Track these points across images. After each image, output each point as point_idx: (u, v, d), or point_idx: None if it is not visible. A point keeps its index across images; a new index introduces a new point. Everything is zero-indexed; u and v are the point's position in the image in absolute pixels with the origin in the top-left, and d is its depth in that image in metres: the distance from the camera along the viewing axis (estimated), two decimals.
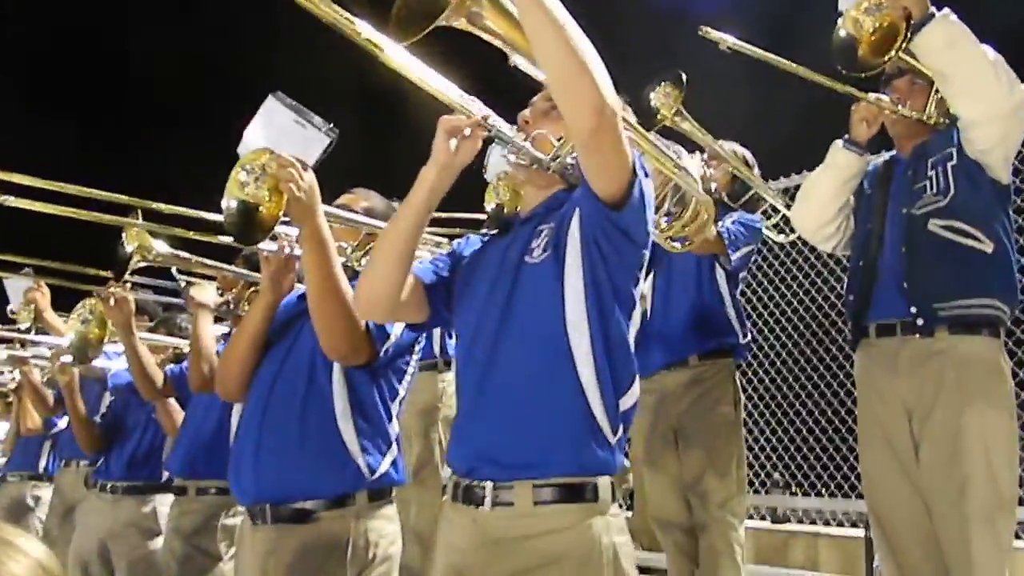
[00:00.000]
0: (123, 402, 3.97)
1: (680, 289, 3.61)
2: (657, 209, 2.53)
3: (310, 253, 2.27)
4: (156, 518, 3.72)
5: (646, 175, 1.77)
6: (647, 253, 1.87)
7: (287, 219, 2.30)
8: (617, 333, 1.81)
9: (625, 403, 1.82)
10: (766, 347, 5.98)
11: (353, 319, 2.26)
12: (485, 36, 1.65)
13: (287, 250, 2.56)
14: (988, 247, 2.76)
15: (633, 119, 2.09)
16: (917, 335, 2.77)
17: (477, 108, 1.82)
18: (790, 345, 5.88)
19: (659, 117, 3.44)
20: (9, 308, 4.58)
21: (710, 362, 3.49)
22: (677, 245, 2.59)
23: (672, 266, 3.67)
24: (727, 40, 2.99)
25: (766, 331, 5.99)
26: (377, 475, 2.42)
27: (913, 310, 2.78)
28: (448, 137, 1.85)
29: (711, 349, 3.50)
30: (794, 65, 2.93)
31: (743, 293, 6.04)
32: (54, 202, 3.07)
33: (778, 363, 5.92)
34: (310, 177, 2.24)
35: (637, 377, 1.86)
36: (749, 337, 3.62)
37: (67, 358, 3.71)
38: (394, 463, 2.48)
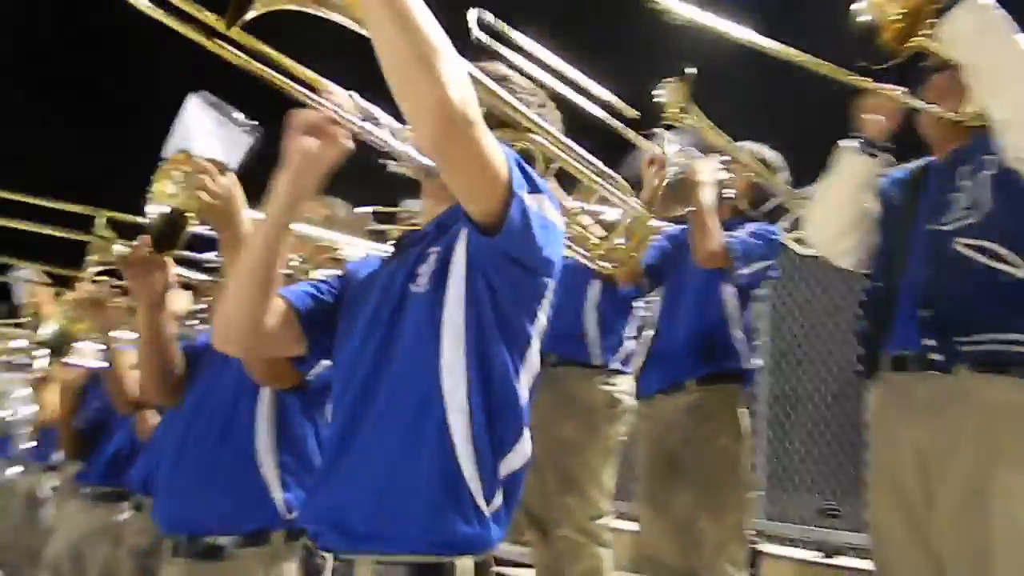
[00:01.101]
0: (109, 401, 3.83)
1: (684, 306, 3.28)
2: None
3: (228, 262, 2.05)
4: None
5: (532, 189, 1.46)
6: (549, 280, 1.56)
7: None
8: (501, 378, 1.51)
9: (509, 464, 1.52)
10: (817, 361, 5.54)
11: None
12: (331, 15, 1.38)
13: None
14: None
15: (556, 119, 1.77)
16: (935, 372, 2.37)
17: (340, 101, 1.55)
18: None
19: (666, 115, 3.09)
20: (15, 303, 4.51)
21: (710, 388, 3.14)
22: (607, 266, 2.25)
23: (679, 281, 3.34)
24: (685, 12, 2.47)
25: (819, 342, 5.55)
26: (296, 513, 2.20)
27: (930, 343, 2.37)
28: (302, 138, 1.57)
29: (711, 373, 3.15)
30: (793, 51, 2.51)
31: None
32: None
33: (829, 379, 5.47)
34: (226, 181, 2.03)
35: (526, 432, 1.56)
36: (760, 362, 3.25)
37: (43, 352, 3.60)
38: None
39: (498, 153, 1.39)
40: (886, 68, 2.46)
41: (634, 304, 3.83)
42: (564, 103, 2.94)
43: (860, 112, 2.63)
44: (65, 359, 3.58)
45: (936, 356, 2.35)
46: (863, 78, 2.56)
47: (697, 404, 3.13)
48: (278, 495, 2.20)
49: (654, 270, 3.45)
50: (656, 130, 3.13)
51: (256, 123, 2.19)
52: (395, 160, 1.62)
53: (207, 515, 2.21)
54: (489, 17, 2.82)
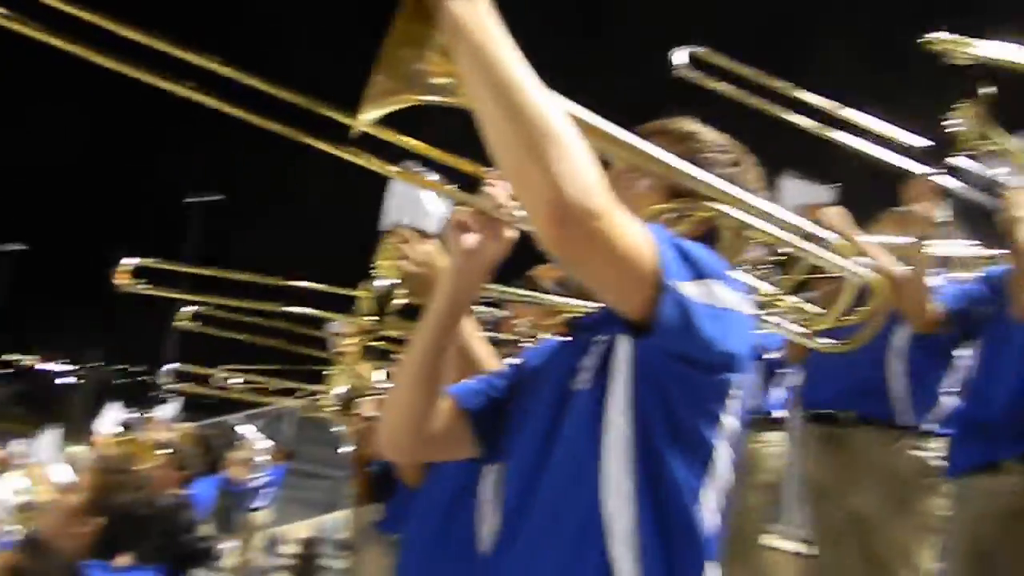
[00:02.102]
0: None
1: (1006, 367, 2.70)
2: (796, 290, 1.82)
3: None
4: None
5: (697, 275, 1.22)
6: (732, 377, 1.30)
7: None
8: (675, 501, 1.28)
9: None
10: None
11: None
12: (447, 103, 1.25)
13: None
14: None
15: (755, 177, 1.50)
16: None
17: (495, 193, 1.42)
18: None
19: (968, 144, 2.60)
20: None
21: None
22: (829, 342, 1.84)
23: (1001, 334, 2.77)
24: (970, 48, 2.03)
25: None
26: None
27: None
28: (460, 234, 1.48)
29: None
30: None
31: None
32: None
33: None
34: (426, 247, 1.98)
35: (710, 571, 1.30)
36: None
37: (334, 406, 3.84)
38: None
39: (638, 242, 1.17)
40: None
41: (955, 353, 3.26)
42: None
43: None
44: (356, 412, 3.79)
45: None
46: None
47: (1017, 489, 2.55)
48: None
49: (961, 317, 2.90)
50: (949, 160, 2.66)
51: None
52: None
53: None
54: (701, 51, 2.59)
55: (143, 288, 2.47)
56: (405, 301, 2.15)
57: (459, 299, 1.52)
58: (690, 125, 1.55)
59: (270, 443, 9.85)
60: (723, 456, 1.32)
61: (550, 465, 1.36)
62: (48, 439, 4.50)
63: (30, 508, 3.40)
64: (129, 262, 2.45)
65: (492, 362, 1.88)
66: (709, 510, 1.30)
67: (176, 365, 3.95)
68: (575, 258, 1.17)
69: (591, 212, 1.10)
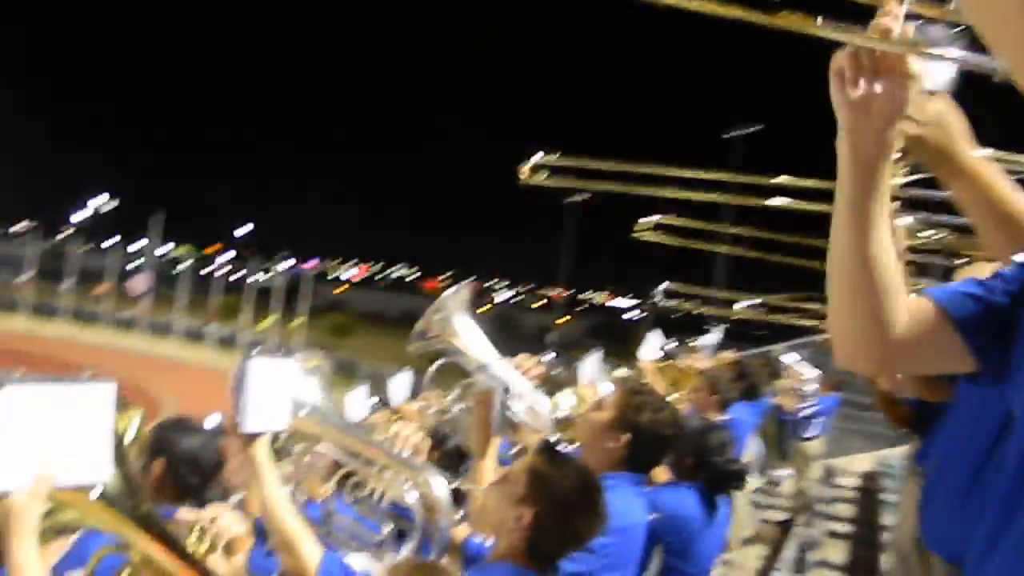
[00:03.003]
0: None
1: None
2: None
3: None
4: None
5: None
6: None
7: None
8: None
9: None
10: None
11: None
12: None
13: None
14: None
15: None
16: None
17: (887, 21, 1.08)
18: None
19: None
20: None
21: None
22: None
23: None
24: None
25: None
26: None
27: None
28: (841, 86, 1.15)
29: None
30: None
31: None
32: None
33: None
34: (936, 106, 1.61)
35: None
36: None
37: None
38: None
39: None
40: None
41: None
42: None
43: None
44: None
45: None
46: None
47: None
48: None
49: None
50: None
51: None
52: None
53: (960, 541, 1.84)
54: None
55: (549, 182, 2.34)
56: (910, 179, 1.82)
57: (862, 164, 1.19)
58: None
59: (816, 372, 9.51)
60: None
61: None
62: (591, 361, 4.89)
63: (568, 421, 3.71)
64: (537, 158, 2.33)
65: None
66: None
67: (667, 284, 3.96)
68: None
69: None
